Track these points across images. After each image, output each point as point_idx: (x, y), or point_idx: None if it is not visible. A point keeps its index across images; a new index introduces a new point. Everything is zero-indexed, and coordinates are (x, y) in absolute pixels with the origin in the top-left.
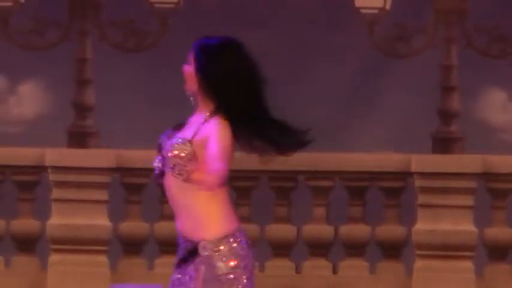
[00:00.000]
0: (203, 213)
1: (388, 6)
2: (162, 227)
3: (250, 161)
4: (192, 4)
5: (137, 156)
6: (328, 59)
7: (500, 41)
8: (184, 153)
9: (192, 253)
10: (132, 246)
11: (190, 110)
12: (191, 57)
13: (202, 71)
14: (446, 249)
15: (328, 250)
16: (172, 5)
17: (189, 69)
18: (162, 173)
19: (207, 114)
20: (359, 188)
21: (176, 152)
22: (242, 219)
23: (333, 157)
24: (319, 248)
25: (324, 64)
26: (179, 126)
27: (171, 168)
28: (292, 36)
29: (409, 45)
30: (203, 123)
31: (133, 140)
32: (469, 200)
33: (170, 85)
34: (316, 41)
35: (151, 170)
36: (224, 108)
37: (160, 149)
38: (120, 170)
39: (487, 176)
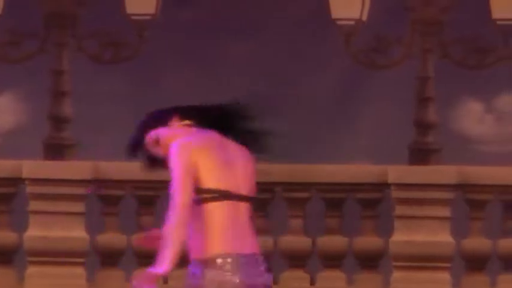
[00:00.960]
0: None
1: (364, 18)
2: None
3: None
4: (168, 15)
5: (114, 168)
6: (304, 70)
7: (476, 52)
8: None
9: None
10: (109, 258)
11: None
12: None
13: None
14: (423, 261)
15: (305, 261)
16: (148, 17)
17: None
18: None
19: None
20: (336, 199)
21: None
22: None
23: (309, 168)
24: (296, 260)
25: (300, 75)
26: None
27: None
28: (272, 47)
29: (386, 57)
30: None
31: (110, 151)
32: (446, 211)
33: (147, 96)
34: (293, 52)
35: (128, 181)
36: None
37: None
38: (97, 182)
39: (463, 187)
